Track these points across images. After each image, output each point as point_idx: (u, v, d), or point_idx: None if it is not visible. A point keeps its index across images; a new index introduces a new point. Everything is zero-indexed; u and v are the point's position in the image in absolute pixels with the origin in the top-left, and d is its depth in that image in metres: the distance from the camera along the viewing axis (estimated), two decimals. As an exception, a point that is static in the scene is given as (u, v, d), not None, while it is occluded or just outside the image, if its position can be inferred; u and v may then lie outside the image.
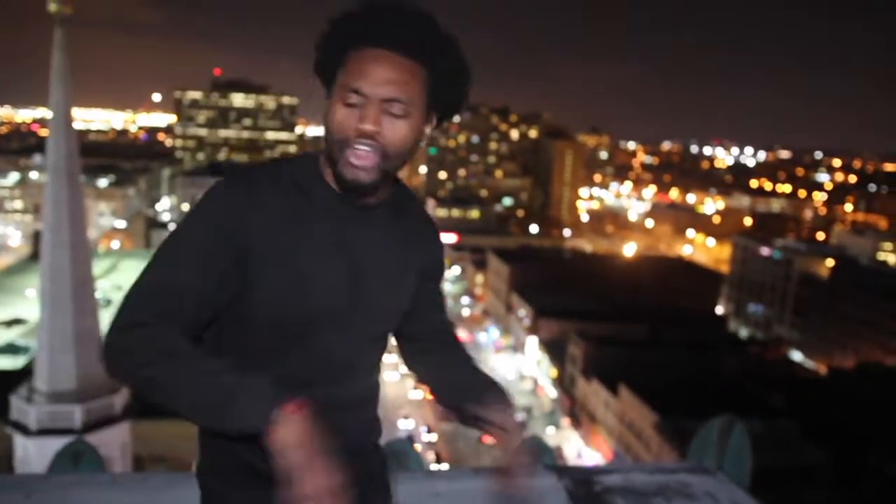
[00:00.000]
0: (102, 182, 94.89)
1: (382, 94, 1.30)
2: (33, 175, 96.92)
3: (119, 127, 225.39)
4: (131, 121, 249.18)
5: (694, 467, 2.82)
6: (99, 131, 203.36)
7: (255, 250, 1.33)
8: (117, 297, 45.65)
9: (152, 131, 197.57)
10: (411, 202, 1.60)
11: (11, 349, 35.26)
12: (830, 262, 78.97)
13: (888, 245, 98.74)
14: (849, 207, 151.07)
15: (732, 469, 2.78)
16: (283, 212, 1.36)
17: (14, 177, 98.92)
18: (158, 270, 1.31)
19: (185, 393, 1.20)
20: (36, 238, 55.27)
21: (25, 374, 22.01)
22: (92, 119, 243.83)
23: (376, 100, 1.30)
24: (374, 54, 1.31)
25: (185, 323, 1.29)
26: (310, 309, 1.38)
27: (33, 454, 17.90)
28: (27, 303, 42.02)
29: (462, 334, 65.73)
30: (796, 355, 70.56)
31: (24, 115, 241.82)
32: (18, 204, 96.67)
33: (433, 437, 47.01)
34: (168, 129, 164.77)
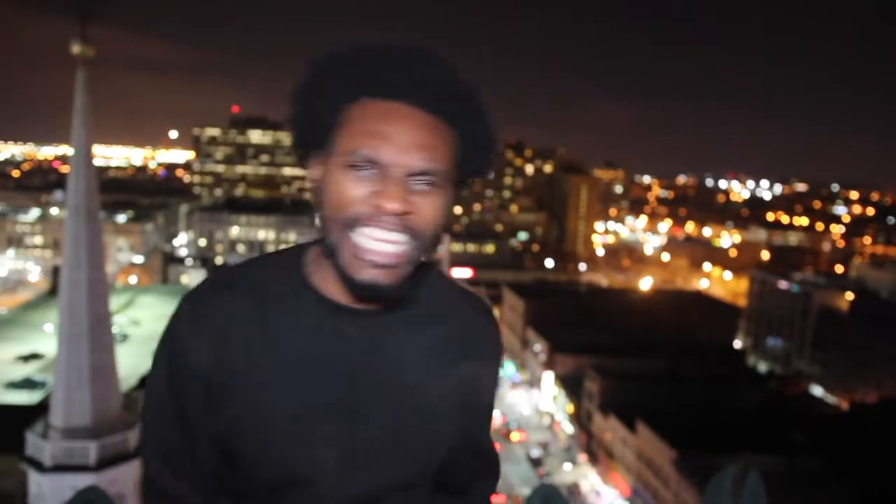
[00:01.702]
0: (121, 217, 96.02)
1: (410, 164, 0.97)
2: (54, 211, 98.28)
3: (138, 163, 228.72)
4: (150, 157, 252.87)
5: (708, 516, 2.77)
6: (118, 167, 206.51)
7: (218, 391, 1.06)
8: (134, 333, 45.91)
9: (171, 167, 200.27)
10: (456, 296, 1.22)
11: (28, 384, 35.44)
12: (850, 296, 78.11)
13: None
14: (867, 240, 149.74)
15: (747, 518, 2.73)
16: (246, 338, 1.05)
17: (35, 213, 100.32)
18: (151, 452, 1.13)
19: None
20: (55, 274, 55.85)
21: (42, 409, 22.10)
22: (112, 156, 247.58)
23: (401, 171, 0.97)
24: (392, 109, 0.99)
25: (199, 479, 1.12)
26: (283, 471, 1.07)
27: (48, 490, 17.90)
28: (45, 338, 42.30)
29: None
30: (817, 390, 69.49)
31: (47, 153, 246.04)
32: (38, 239, 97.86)
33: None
34: (186, 166, 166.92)
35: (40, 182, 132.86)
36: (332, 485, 1.09)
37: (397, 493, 1.15)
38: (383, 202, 0.96)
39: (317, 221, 1.06)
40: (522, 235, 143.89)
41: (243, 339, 1.05)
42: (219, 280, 1.11)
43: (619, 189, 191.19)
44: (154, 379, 1.10)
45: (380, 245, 0.98)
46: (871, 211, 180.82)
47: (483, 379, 1.22)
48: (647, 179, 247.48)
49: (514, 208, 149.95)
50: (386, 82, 0.99)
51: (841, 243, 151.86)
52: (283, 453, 1.06)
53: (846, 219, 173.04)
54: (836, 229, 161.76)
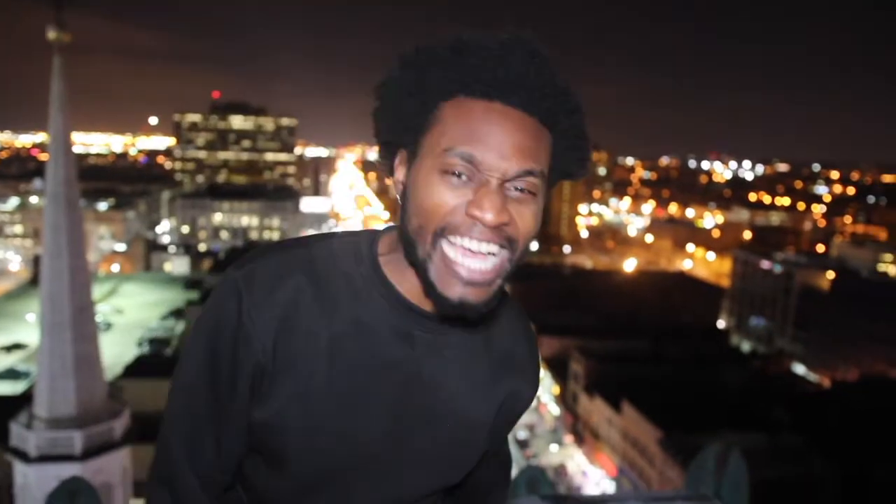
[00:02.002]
0: (102, 205, 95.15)
1: (508, 169, 0.90)
2: (33, 199, 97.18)
3: (118, 150, 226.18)
4: (131, 144, 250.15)
5: (691, 496, 2.80)
6: (99, 155, 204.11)
7: (269, 378, 0.98)
8: (117, 321, 45.62)
9: (151, 154, 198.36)
10: (514, 318, 1.18)
11: (12, 374, 35.16)
12: (831, 275, 78.98)
13: (888, 256, 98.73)
14: (848, 219, 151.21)
15: (730, 497, 2.76)
16: (311, 330, 0.98)
17: (14, 201, 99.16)
18: (174, 438, 1.03)
19: None
20: (36, 263, 55.35)
21: (26, 399, 21.95)
22: (91, 143, 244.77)
23: (500, 176, 0.90)
24: (490, 109, 0.91)
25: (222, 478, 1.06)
26: (336, 460, 1.02)
27: (33, 481, 17.80)
28: (27, 327, 41.95)
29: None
30: (799, 368, 70.37)
31: (24, 140, 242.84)
32: (18, 229, 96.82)
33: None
34: (167, 152, 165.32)
35: (18, 170, 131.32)
36: (364, 489, 1.06)
37: (417, 501, 1.12)
38: (481, 212, 0.89)
39: (400, 223, 0.98)
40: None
41: (308, 330, 0.97)
42: (284, 257, 1.01)
43: (602, 171, 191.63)
44: (192, 356, 1.01)
45: (474, 260, 0.91)
46: (851, 190, 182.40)
47: (522, 402, 1.18)
48: (630, 161, 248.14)
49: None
50: (483, 80, 0.90)
51: (822, 223, 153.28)
52: (324, 450, 1.00)
53: (827, 198, 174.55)
54: (818, 209, 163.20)
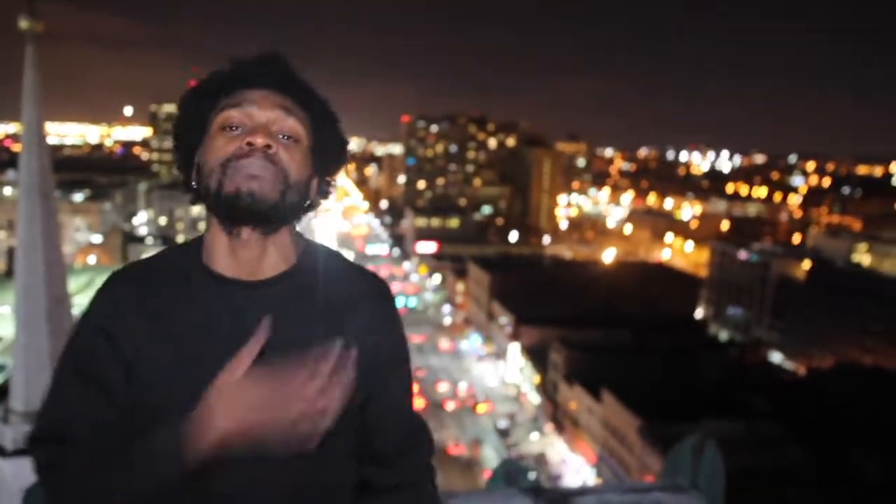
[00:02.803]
0: (78, 197, 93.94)
1: (272, 113, 1.16)
2: (7, 191, 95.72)
3: (94, 141, 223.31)
4: (106, 135, 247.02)
5: (668, 486, 2.83)
6: (74, 146, 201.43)
7: (129, 363, 1.16)
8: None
9: (128, 145, 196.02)
10: (339, 266, 1.30)
11: (-14, 368, 34.75)
12: (807, 265, 79.96)
13: (863, 246, 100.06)
14: (823, 210, 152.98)
15: (706, 487, 2.79)
16: (154, 312, 1.17)
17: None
18: (50, 408, 1.21)
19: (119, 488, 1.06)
20: (10, 255, 54.57)
21: (1, 392, 21.68)
22: (66, 133, 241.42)
23: (264, 118, 1.15)
24: (254, 89, 1.19)
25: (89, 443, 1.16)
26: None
27: (10, 475, 17.61)
28: (2, 320, 41.42)
29: (444, 343, 64.93)
30: (776, 357, 71.30)
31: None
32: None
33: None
34: (144, 143, 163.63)
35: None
36: (233, 464, 1.11)
37: (298, 476, 1.18)
38: (252, 138, 1.12)
39: (202, 193, 1.19)
40: (486, 209, 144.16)
41: (126, 327, 1.16)
42: (114, 274, 1.24)
43: (581, 162, 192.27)
44: (70, 339, 1.21)
45: (249, 165, 1.12)
46: (827, 181, 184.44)
47: (370, 345, 1.20)
48: (609, 152, 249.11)
49: (477, 182, 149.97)
50: (245, 78, 1.18)
51: (798, 213, 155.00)
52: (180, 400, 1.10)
53: (803, 189, 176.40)
54: (794, 200, 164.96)
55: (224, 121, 1.15)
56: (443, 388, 56.70)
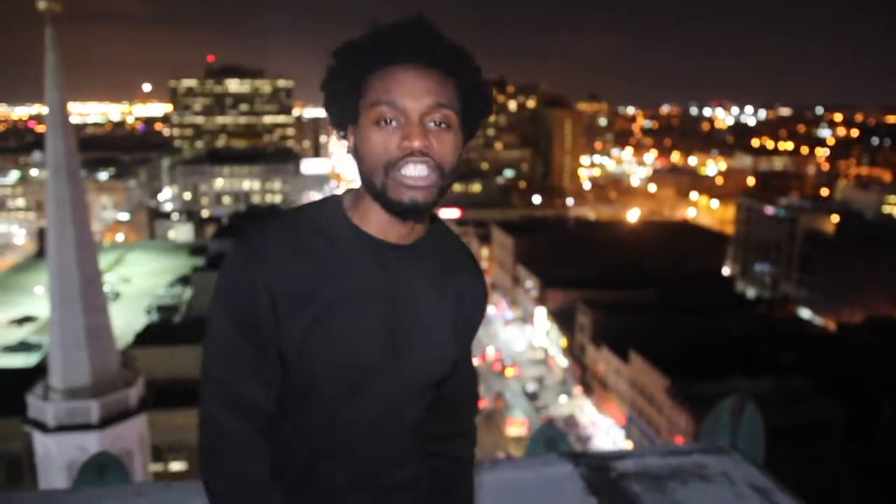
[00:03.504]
0: (103, 175, 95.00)
1: (423, 104, 1.21)
2: (34, 172, 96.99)
3: (116, 119, 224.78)
4: (128, 112, 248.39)
5: (708, 448, 2.85)
6: (96, 124, 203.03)
7: (284, 316, 1.26)
8: (125, 290, 45.88)
9: (149, 122, 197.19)
10: (448, 235, 1.49)
11: (24, 347, 35.49)
12: (835, 218, 78.81)
13: (893, 198, 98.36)
14: (852, 162, 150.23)
15: (746, 447, 2.81)
16: (304, 267, 1.27)
17: (14, 175, 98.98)
18: (218, 386, 1.29)
19: None
20: (41, 235, 55.44)
21: (39, 370, 22.20)
22: (88, 112, 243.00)
23: (417, 113, 1.21)
24: (401, 69, 1.22)
25: (265, 413, 1.31)
26: (344, 370, 1.30)
27: (54, 450, 18.11)
28: (36, 300, 42.21)
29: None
30: (804, 313, 70.66)
31: (21, 113, 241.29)
32: (21, 202, 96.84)
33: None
34: (165, 119, 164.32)
35: (16, 143, 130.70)
36: (374, 397, 1.33)
37: (412, 398, 1.39)
38: (409, 142, 1.19)
39: (360, 174, 1.28)
40: (508, 173, 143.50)
41: (298, 279, 1.26)
42: (272, 226, 1.30)
43: (603, 122, 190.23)
44: (216, 318, 1.29)
45: (414, 176, 1.21)
46: (855, 132, 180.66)
47: (473, 292, 1.45)
48: (630, 111, 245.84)
49: (498, 146, 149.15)
50: (391, 52, 1.22)
51: (826, 166, 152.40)
52: (337, 371, 1.29)
53: (830, 141, 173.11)
54: (821, 152, 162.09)
55: (378, 115, 1.21)
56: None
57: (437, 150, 1.22)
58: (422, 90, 1.21)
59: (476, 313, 1.47)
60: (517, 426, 44.95)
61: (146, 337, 30.88)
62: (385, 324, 1.31)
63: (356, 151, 1.27)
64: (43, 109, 18.93)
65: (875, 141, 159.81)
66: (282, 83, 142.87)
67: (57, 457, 17.90)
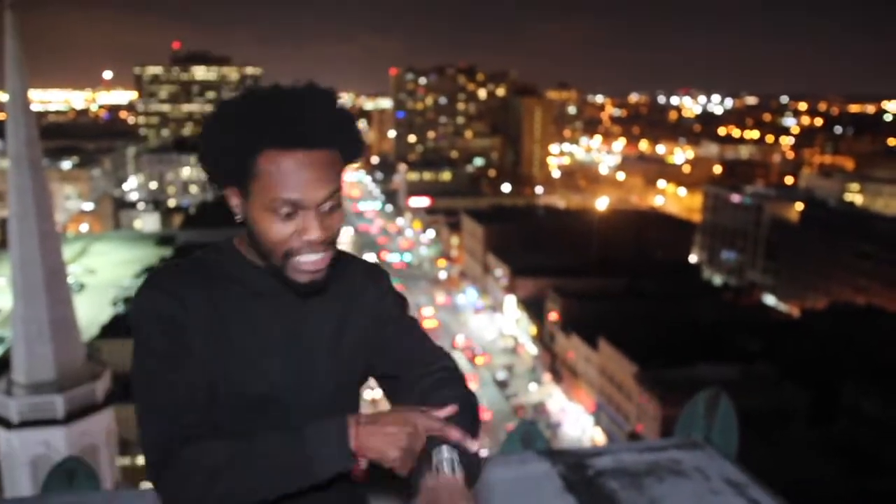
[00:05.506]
0: (66, 164, 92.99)
1: (319, 196, 1.24)
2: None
3: (79, 107, 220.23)
4: (91, 100, 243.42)
5: (682, 443, 2.86)
6: (58, 112, 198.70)
7: (202, 350, 1.29)
8: (90, 282, 45.16)
9: (114, 109, 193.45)
10: (343, 260, 1.51)
11: (-14, 340, 34.83)
12: (800, 206, 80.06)
13: (855, 186, 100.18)
14: (816, 150, 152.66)
15: (720, 441, 2.83)
16: (216, 306, 1.32)
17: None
18: (154, 424, 1.25)
19: (262, 481, 1.17)
20: (2, 226, 54.25)
21: (2, 365, 21.78)
22: (50, 100, 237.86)
23: (313, 205, 1.24)
24: (293, 158, 1.22)
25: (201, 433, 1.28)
26: (258, 396, 1.34)
27: (17, 446, 17.79)
28: (-2, 292, 41.40)
29: (440, 297, 64.87)
30: (770, 299, 71.86)
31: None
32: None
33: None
34: (130, 107, 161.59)
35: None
36: (286, 399, 1.37)
37: (328, 404, 1.40)
38: (308, 235, 1.25)
39: (250, 237, 1.33)
40: (478, 161, 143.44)
41: (209, 311, 1.30)
42: (182, 269, 1.34)
43: (572, 110, 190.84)
44: (145, 348, 1.28)
45: (312, 263, 1.28)
46: (819, 121, 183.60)
47: (379, 310, 1.50)
48: (599, 99, 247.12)
49: (468, 134, 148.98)
50: (285, 134, 1.21)
51: (790, 155, 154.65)
52: (254, 384, 1.34)
53: (795, 130, 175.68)
54: (786, 141, 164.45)
55: (273, 205, 1.24)
56: (440, 342, 57.02)
57: (330, 229, 1.28)
58: (317, 182, 1.23)
59: (385, 305, 1.52)
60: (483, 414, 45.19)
61: (113, 329, 30.48)
62: (285, 346, 1.37)
63: (246, 220, 1.30)
64: (3, 97, 18.52)
65: (838, 130, 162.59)
66: (250, 70, 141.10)
67: (21, 453, 17.58)
